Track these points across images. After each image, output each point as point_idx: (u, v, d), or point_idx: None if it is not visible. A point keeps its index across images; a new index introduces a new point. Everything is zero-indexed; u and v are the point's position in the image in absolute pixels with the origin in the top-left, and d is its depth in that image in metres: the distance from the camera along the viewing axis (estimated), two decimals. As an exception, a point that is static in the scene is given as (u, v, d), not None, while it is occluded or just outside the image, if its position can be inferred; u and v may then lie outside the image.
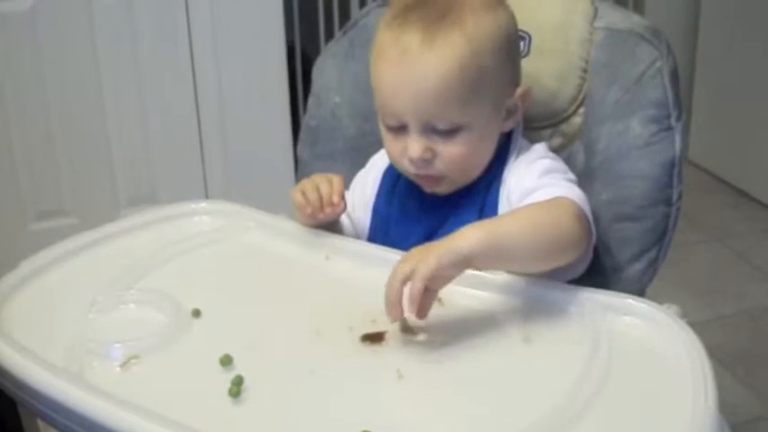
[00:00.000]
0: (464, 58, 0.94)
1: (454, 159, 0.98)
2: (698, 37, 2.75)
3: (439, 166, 0.99)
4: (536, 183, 0.98)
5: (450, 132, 0.97)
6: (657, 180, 1.04)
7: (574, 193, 0.97)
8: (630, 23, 1.08)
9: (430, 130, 0.97)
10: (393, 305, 0.83)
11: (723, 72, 2.67)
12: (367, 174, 1.13)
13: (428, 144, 0.97)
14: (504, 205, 1.02)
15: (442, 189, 1.02)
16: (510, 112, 1.02)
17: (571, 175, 1.02)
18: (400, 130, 0.99)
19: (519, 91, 1.02)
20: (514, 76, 1.03)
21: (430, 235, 1.01)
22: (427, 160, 0.98)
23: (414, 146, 0.97)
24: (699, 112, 2.77)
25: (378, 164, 1.12)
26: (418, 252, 0.85)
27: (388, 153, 1.04)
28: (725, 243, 2.42)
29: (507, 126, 1.03)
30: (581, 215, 0.94)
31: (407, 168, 1.01)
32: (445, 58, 0.94)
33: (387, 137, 1.02)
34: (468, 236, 0.85)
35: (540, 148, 1.05)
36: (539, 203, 0.94)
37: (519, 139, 1.05)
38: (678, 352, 0.82)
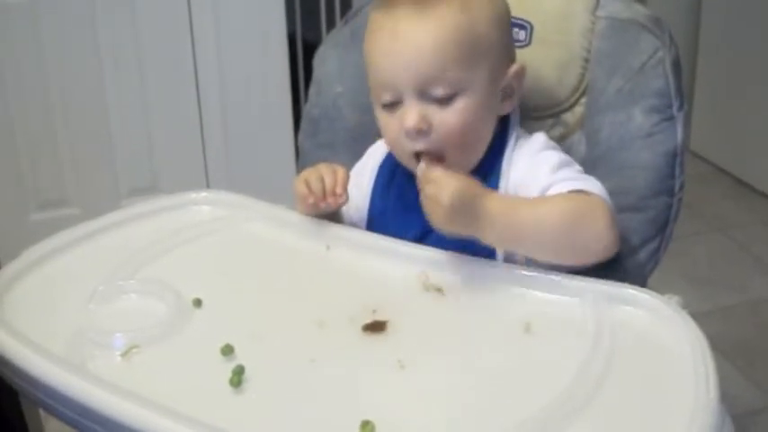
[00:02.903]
0: (459, 22, 0.95)
1: (451, 129, 0.96)
2: (700, 27, 2.75)
3: (435, 138, 0.96)
4: (551, 178, 0.96)
5: (446, 100, 0.96)
6: (659, 170, 1.04)
7: (602, 191, 0.95)
8: (632, 13, 1.08)
9: (426, 98, 0.96)
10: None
11: (725, 62, 2.67)
12: (363, 166, 1.12)
13: (424, 113, 0.96)
14: None
15: None
16: (506, 95, 1.01)
17: (578, 167, 1.01)
18: (395, 105, 0.98)
19: (514, 68, 1.00)
20: (509, 53, 1.02)
21: (428, 228, 0.99)
22: (423, 131, 0.96)
23: (409, 115, 0.96)
24: (700, 102, 2.77)
25: (374, 156, 1.11)
26: (449, 183, 0.89)
27: (386, 136, 1.02)
28: (726, 234, 2.42)
29: (505, 108, 1.01)
30: (613, 223, 0.92)
31: (406, 147, 0.98)
32: (439, 21, 0.94)
33: (383, 117, 1.01)
34: (491, 220, 0.89)
35: (541, 137, 1.03)
36: (574, 200, 0.93)
37: (517, 129, 1.04)
38: (680, 342, 0.82)
